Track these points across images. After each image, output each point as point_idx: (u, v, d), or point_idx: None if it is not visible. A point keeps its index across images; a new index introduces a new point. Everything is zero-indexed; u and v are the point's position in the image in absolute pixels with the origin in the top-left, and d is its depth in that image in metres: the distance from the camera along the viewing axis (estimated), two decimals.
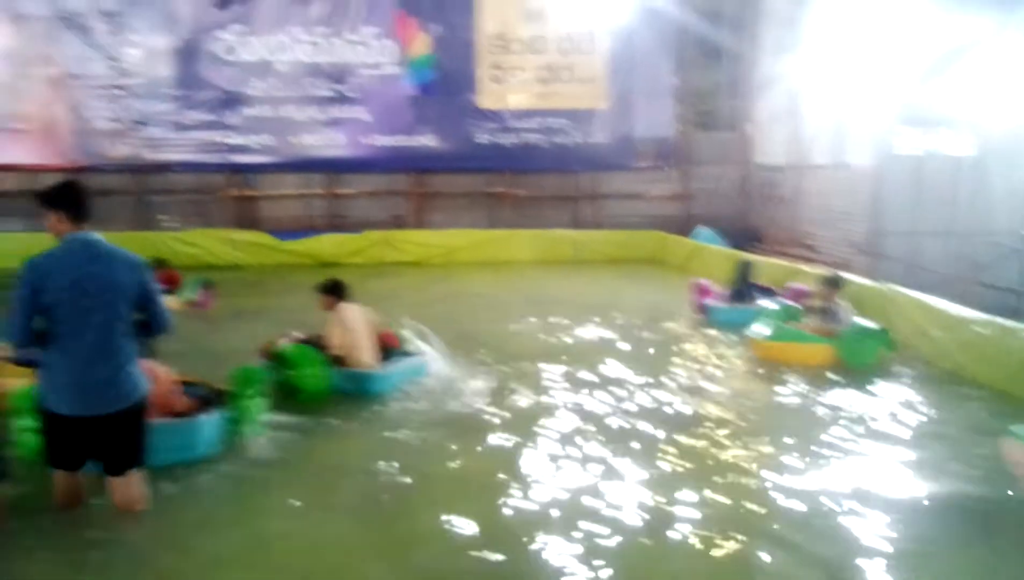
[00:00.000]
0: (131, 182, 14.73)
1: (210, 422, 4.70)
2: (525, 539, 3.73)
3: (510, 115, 15.29)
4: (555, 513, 4.01)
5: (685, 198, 15.85)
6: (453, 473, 4.62)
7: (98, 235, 3.70)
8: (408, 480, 4.45)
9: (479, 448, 4.97)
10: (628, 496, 4.20)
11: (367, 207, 15.41)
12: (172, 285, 9.45)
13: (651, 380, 6.48)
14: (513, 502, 4.14)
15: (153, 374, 4.40)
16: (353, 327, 6.05)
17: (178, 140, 14.66)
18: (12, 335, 3.56)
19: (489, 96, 15.26)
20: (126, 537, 3.72)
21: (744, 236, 14.44)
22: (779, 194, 14.20)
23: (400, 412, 5.63)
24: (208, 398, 4.94)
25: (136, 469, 3.84)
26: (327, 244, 14.34)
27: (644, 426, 5.34)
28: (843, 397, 6.01)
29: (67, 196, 3.67)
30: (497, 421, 5.45)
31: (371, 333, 6.22)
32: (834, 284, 7.34)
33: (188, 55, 14.56)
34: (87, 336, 3.56)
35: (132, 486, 3.83)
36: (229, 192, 14.99)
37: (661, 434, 5.18)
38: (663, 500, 4.15)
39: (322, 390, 5.76)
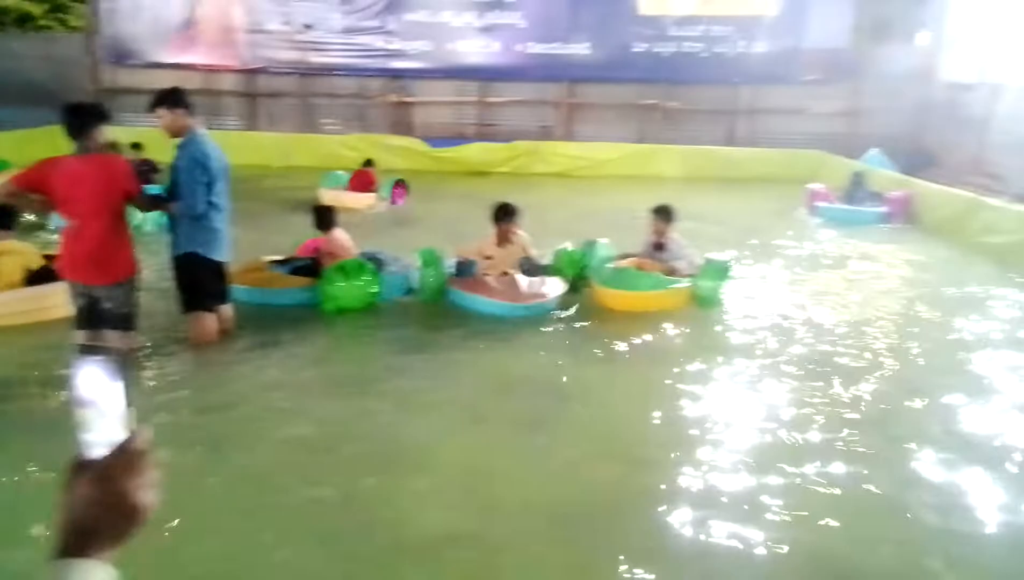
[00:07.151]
0: (298, 85, 15.56)
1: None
2: None
3: (671, 22, 14.63)
4: None
5: (853, 116, 14.70)
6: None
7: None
8: None
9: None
10: None
11: (517, 116, 15.46)
12: (370, 187, 10.46)
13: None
14: None
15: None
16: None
17: (342, 44, 15.24)
18: (195, 205, 4.56)
19: (651, 1, 14.61)
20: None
21: (917, 160, 13.23)
22: (965, 115, 12.85)
23: None
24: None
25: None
26: (476, 152, 14.61)
27: None
28: None
29: (182, 96, 4.60)
30: None
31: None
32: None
33: None
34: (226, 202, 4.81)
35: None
36: (386, 98, 15.49)
37: None
38: None
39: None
